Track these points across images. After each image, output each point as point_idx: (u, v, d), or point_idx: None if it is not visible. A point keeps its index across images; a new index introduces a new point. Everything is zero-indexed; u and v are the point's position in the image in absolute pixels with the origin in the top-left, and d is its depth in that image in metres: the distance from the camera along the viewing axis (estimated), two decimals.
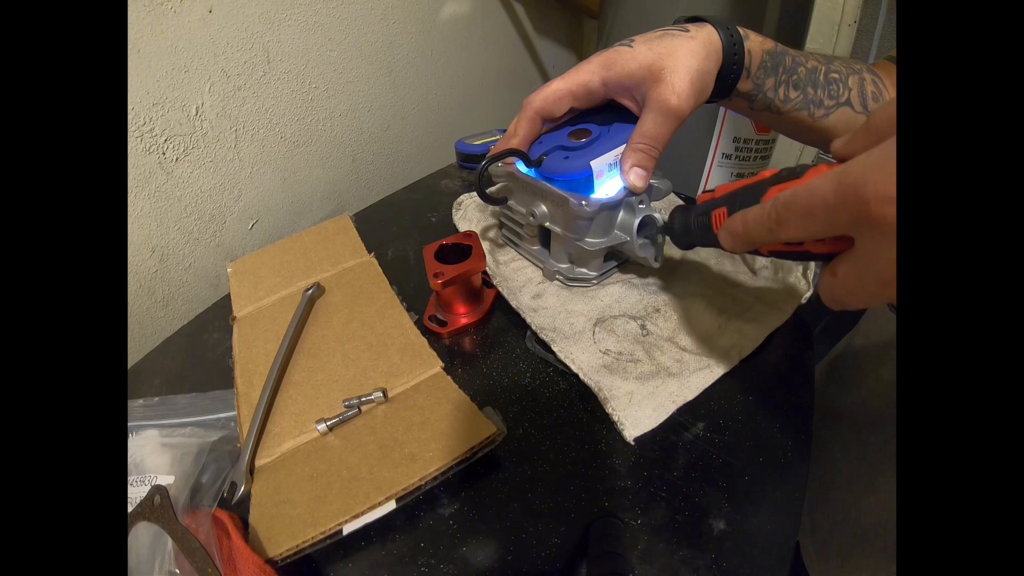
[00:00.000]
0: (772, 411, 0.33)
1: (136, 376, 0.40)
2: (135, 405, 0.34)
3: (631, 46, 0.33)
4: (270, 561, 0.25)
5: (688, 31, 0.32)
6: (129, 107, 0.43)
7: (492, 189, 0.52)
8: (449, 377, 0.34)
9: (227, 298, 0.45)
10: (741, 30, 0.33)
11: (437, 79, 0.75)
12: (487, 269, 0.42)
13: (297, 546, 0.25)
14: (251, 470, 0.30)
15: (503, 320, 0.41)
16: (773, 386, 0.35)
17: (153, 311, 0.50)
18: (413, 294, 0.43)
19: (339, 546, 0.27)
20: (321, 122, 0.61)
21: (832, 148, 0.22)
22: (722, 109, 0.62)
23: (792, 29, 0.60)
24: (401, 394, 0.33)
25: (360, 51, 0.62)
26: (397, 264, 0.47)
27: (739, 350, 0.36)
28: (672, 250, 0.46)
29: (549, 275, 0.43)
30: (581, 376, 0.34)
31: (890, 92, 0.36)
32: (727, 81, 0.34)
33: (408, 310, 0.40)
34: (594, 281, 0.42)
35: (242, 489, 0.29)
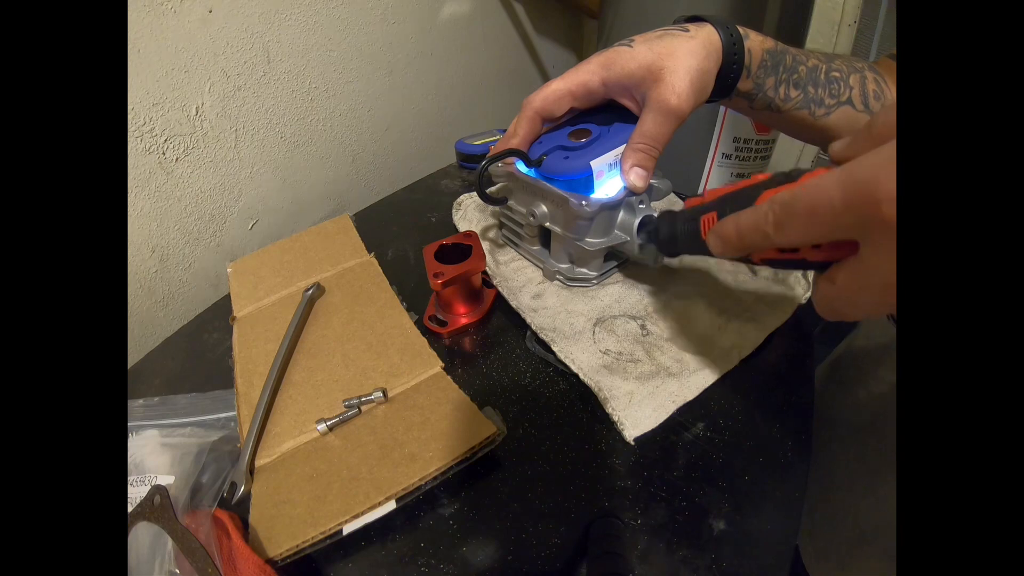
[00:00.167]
0: (772, 411, 0.33)
1: (136, 376, 0.40)
2: (135, 405, 0.34)
3: (631, 46, 0.33)
4: (270, 561, 0.25)
5: (688, 31, 0.32)
6: (129, 107, 0.43)
7: (492, 189, 0.52)
8: (449, 377, 0.34)
9: (227, 298, 0.45)
10: (741, 29, 0.33)
11: (437, 79, 0.75)
12: (487, 269, 0.42)
13: (297, 546, 0.25)
14: (251, 470, 0.30)
15: (503, 320, 0.41)
16: (773, 386, 0.35)
17: (153, 311, 0.50)
18: (413, 294, 0.43)
19: (339, 546, 0.27)
20: (321, 122, 0.61)
21: (831, 150, 0.21)
22: (722, 109, 0.62)
23: (792, 29, 0.60)
24: (401, 394, 0.33)
25: (360, 51, 0.62)
26: (397, 264, 0.47)
27: (739, 350, 0.36)
28: None
29: (549, 275, 0.43)
30: (581, 376, 0.34)
31: (892, 90, 0.36)
32: (727, 80, 0.34)
33: (408, 310, 0.40)
34: (594, 281, 0.42)
35: (242, 489, 0.29)
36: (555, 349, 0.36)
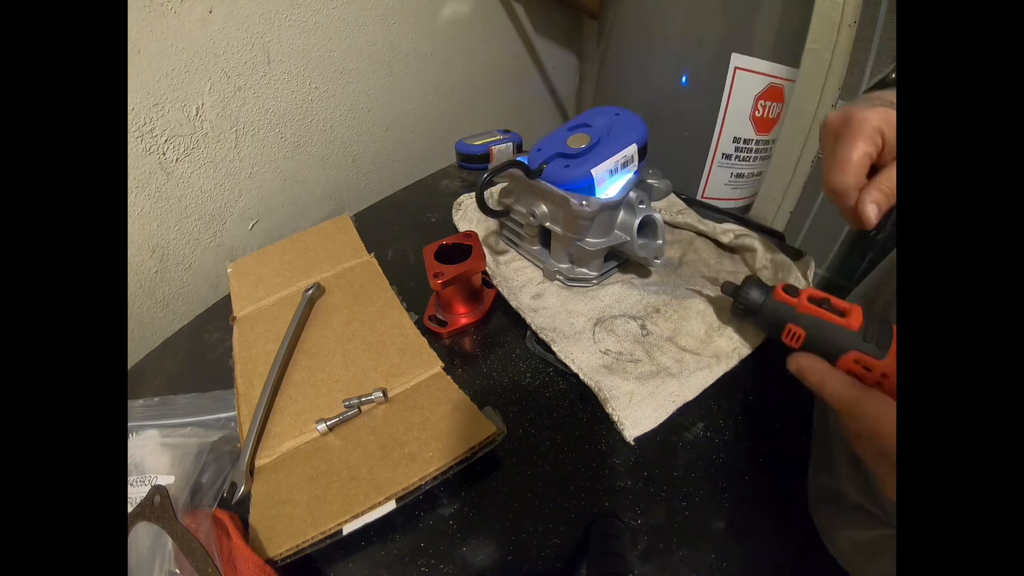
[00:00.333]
0: (772, 411, 0.33)
1: (136, 376, 0.40)
2: (135, 405, 0.34)
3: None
4: (270, 561, 0.25)
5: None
6: (129, 108, 0.43)
7: (493, 188, 0.52)
8: (449, 377, 0.34)
9: (227, 298, 0.45)
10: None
11: (437, 79, 0.75)
12: (487, 269, 0.42)
13: (297, 546, 0.25)
14: (251, 470, 0.30)
15: (503, 320, 0.41)
16: (773, 386, 0.35)
17: (153, 311, 0.51)
18: (413, 294, 0.43)
19: (339, 546, 0.27)
20: (321, 122, 0.61)
21: None
22: (722, 109, 0.62)
23: (792, 29, 0.60)
24: (401, 394, 0.33)
25: (360, 51, 0.62)
26: (397, 264, 0.47)
27: (739, 350, 0.36)
28: (672, 250, 0.46)
29: (549, 275, 0.43)
30: (581, 376, 0.34)
31: None
32: None
33: (408, 310, 0.40)
34: (594, 281, 0.42)
35: (242, 489, 0.29)
36: (555, 349, 0.36)
